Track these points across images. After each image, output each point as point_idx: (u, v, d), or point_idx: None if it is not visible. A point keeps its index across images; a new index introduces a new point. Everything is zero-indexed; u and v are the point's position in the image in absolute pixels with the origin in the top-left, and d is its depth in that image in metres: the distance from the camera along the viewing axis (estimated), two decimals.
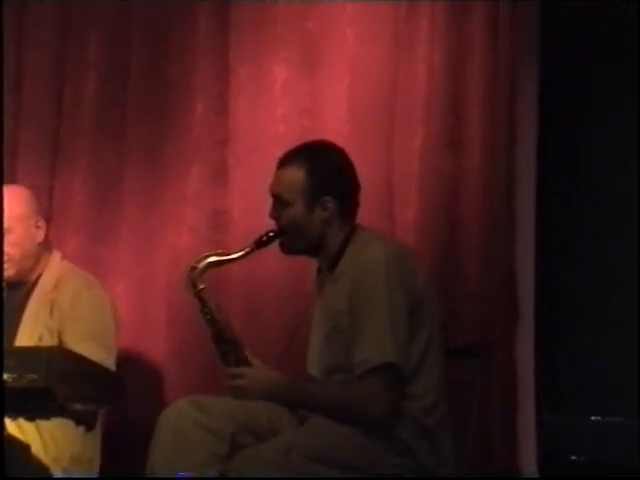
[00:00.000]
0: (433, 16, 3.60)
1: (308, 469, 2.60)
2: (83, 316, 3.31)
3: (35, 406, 3.11)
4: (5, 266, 3.29)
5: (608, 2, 3.55)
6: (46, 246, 3.43)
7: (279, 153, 3.56)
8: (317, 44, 3.74)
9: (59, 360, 3.06)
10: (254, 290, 3.72)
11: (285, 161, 2.83)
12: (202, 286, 2.78)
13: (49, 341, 3.27)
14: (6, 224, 3.24)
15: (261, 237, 2.80)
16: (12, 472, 2.83)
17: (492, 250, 3.52)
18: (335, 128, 3.63)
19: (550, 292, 3.60)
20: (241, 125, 3.81)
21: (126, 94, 3.95)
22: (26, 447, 3.08)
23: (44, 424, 3.16)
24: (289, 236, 2.80)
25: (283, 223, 2.80)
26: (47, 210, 3.82)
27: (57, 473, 3.14)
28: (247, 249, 2.81)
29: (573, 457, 3.48)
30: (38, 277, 3.39)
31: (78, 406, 3.16)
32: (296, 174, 2.78)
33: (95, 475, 3.29)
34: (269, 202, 2.90)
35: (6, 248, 3.29)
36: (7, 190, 3.24)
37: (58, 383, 3.01)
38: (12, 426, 3.10)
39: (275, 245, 2.83)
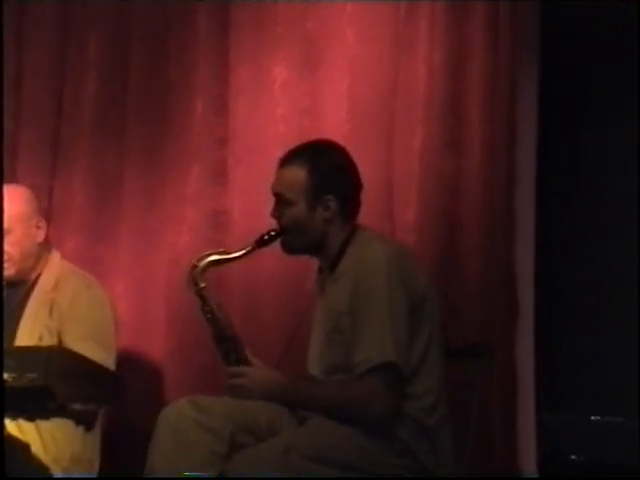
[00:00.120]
0: (433, 16, 3.60)
1: (307, 469, 2.59)
2: (82, 316, 3.30)
3: (35, 406, 3.11)
4: (5, 265, 3.29)
5: (608, 2, 3.55)
6: (46, 246, 3.43)
7: (279, 153, 3.56)
8: (317, 44, 3.74)
9: (59, 360, 3.05)
10: (254, 290, 3.72)
11: (287, 160, 2.83)
12: (203, 284, 2.79)
13: (49, 341, 3.26)
14: (6, 224, 3.24)
15: (262, 236, 2.80)
16: (12, 472, 2.83)
17: (492, 250, 3.52)
18: (335, 128, 3.63)
19: (550, 292, 3.60)
20: (241, 125, 3.81)
21: (126, 94, 3.95)
22: (26, 447, 3.08)
23: (44, 424, 3.16)
24: (291, 235, 2.80)
25: (285, 222, 2.80)
26: (47, 210, 3.81)
27: (57, 473, 3.14)
28: (248, 248, 2.81)
29: (573, 457, 3.48)
30: (38, 277, 3.39)
31: (77, 406, 3.16)
32: (298, 173, 2.78)
33: (95, 475, 3.29)
34: (269, 202, 2.90)
35: (6, 248, 3.29)
36: (7, 190, 3.24)
37: (58, 383, 3.01)
38: (12, 426, 3.10)
39: (275, 245, 2.83)
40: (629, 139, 3.56)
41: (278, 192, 2.83)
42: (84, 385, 3.13)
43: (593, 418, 3.50)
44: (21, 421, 3.14)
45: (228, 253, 2.83)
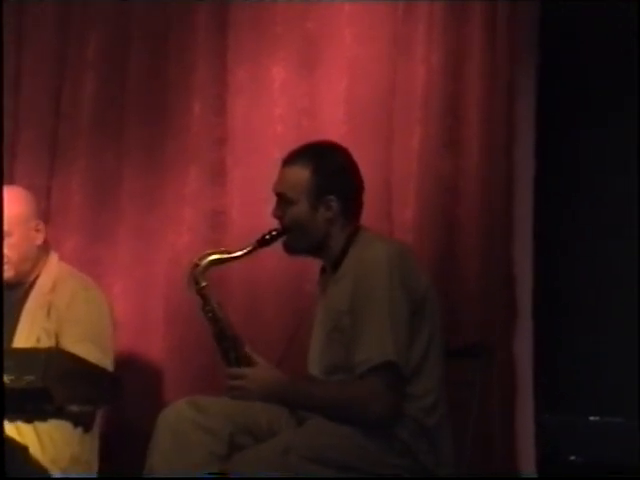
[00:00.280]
0: (431, 16, 3.60)
1: (306, 469, 2.59)
2: (80, 317, 3.30)
3: (33, 407, 3.11)
4: (4, 267, 3.28)
5: (607, 2, 3.55)
6: (44, 248, 3.42)
7: (277, 153, 3.58)
8: (315, 44, 3.74)
9: (57, 361, 3.05)
10: (254, 290, 3.72)
11: (290, 160, 2.83)
12: (204, 283, 2.79)
13: (46, 342, 3.26)
14: (5, 226, 3.23)
15: (264, 235, 2.80)
16: (11, 474, 2.82)
17: (490, 250, 3.52)
18: (333, 128, 3.64)
19: (549, 292, 3.61)
20: (239, 125, 3.81)
21: (125, 94, 3.94)
22: (24, 449, 3.07)
23: (42, 425, 3.16)
24: (293, 235, 2.80)
25: (287, 222, 2.80)
26: (45, 210, 3.82)
27: (56, 474, 3.13)
28: (250, 247, 2.81)
29: (572, 457, 3.48)
30: (35, 279, 3.38)
31: (75, 407, 3.16)
32: (301, 173, 2.78)
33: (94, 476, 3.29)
34: (268, 202, 2.90)
35: (5, 251, 3.28)
36: (7, 192, 3.23)
37: (56, 384, 3.01)
38: (10, 428, 3.09)
39: (275, 245, 2.82)
40: (628, 139, 3.56)
41: (280, 192, 2.82)
42: (82, 387, 3.13)
43: (592, 418, 3.50)
44: (19, 423, 3.13)
45: (229, 252, 2.83)
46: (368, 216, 2.92)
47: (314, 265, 3.00)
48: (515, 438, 3.48)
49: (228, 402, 2.72)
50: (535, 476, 3.47)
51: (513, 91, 3.52)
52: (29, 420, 3.15)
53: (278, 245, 2.83)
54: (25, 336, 3.28)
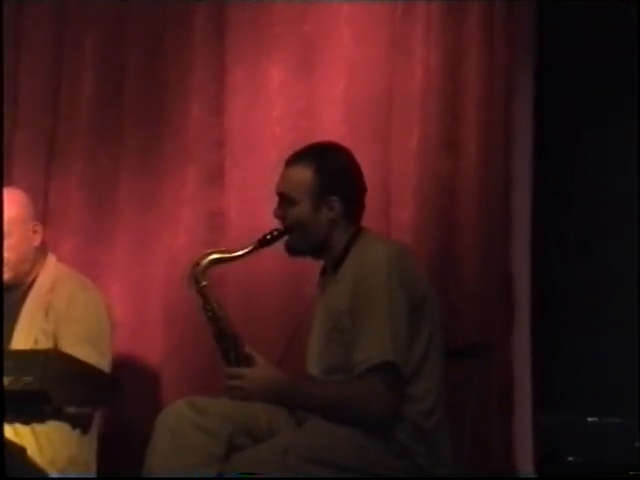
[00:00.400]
0: (429, 16, 3.61)
1: (305, 470, 2.58)
2: (78, 318, 3.29)
3: (31, 409, 3.10)
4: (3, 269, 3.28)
5: (604, 1, 3.56)
6: (42, 249, 3.42)
7: (275, 154, 3.58)
8: (313, 45, 3.74)
9: (55, 363, 3.04)
10: (252, 291, 3.71)
11: (292, 160, 2.83)
12: (204, 283, 2.78)
13: (45, 344, 3.25)
14: (4, 228, 3.23)
15: (265, 235, 2.79)
16: (9, 475, 2.82)
17: (489, 250, 3.53)
18: (331, 129, 3.64)
19: (547, 292, 3.61)
20: (237, 126, 3.80)
21: (122, 95, 3.94)
22: (22, 450, 3.06)
23: (40, 427, 3.15)
24: (294, 235, 2.80)
25: (289, 222, 2.79)
26: (43, 212, 3.81)
27: (53, 475, 3.13)
28: (251, 247, 2.80)
29: (570, 458, 3.48)
30: (33, 280, 3.38)
31: (73, 409, 3.16)
32: (304, 173, 2.78)
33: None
34: (266, 203, 2.90)
35: (3, 252, 3.28)
36: (5, 193, 3.23)
37: (54, 386, 3.00)
38: (8, 429, 3.09)
39: (273, 246, 2.82)
40: (627, 139, 3.56)
41: (282, 192, 2.82)
42: (80, 388, 3.13)
43: (590, 419, 3.50)
44: (17, 424, 3.12)
45: (230, 252, 2.82)
46: (366, 216, 2.92)
47: (312, 266, 2.99)
48: (513, 438, 3.48)
49: (227, 403, 2.72)
50: (533, 476, 3.47)
51: (511, 91, 3.53)
52: (27, 422, 3.14)
53: (276, 246, 2.82)
54: (23, 337, 3.27)
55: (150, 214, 3.88)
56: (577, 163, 3.71)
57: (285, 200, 2.81)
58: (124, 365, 3.63)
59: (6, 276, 3.30)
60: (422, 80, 3.59)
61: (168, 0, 3.92)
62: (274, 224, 2.83)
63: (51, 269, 3.40)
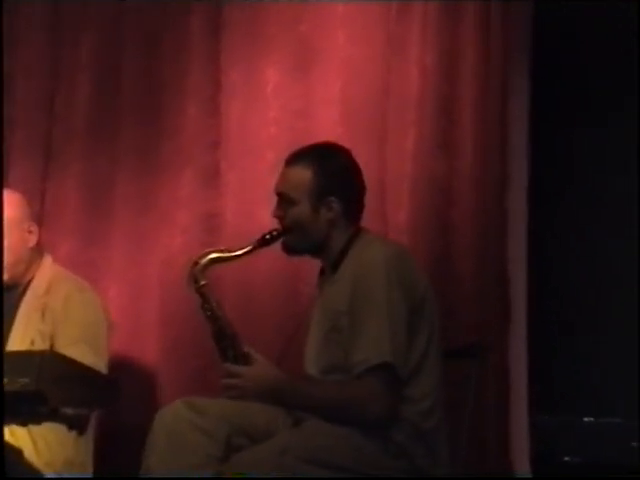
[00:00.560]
0: (425, 16, 3.61)
1: (303, 471, 2.58)
2: (75, 319, 3.29)
3: (27, 410, 3.10)
4: None
5: (601, 1, 3.56)
6: (38, 250, 3.41)
7: (271, 155, 3.58)
8: (309, 46, 3.74)
9: (51, 364, 3.04)
10: (249, 291, 3.71)
11: (292, 160, 2.83)
12: (203, 282, 2.77)
13: (41, 345, 3.25)
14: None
15: (264, 235, 2.79)
16: (6, 477, 2.82)
17: (485, 250, 3.53)
18: (327, 130, 3.64)
19: (544, 292, 3.61)
20: (233, 127, 3.80)
21: (119, 96, 3.94)
22: (18, 452, 3.06)
23: (36, 428, 3.15)
24: (293, 235, 2.79)
25: (288, 222, 2.79)
26: (39, 213, 3.80)
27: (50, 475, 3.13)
28: (250, 247, 2.80)
29: (567, 458, 3.49)
30: (30, 281, 3.37)
31: (70, 410, 3.15)
32: (303, 173, 2.78)
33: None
34: (262, 204, 2.91)
35: None
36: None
37: (50, 387, 2.99)
38: (4, 431, 3.08)
39: (270, 246, 2.82)
40: (626, 139, 3.57)
41: (282, 192, 2.82)
42: (77, 389, 3.12)
43: (587, 419, 3.51)
44: (13, 426, 3.12)
45: (230, 251, 2.82)
46: (363, 217, 2.92)
47: (309, 266, 3.00)
48: (510, 438, 3.48)
49: (225, 403, 2.72)
50: (530, 476, 3.47)
51: (507, 91, 3.54)
52: (24, 423, 3.13)
53: (272, 246, 2.82)
54: (20, 339, 3.27)
55: (147, 215, 3.88)
56: (575, 163, 3.72)
57: (284, 200, 2.81)
58: (121, 366, 3.63)
59: (3, 277, 3.30)
60: (418, 80, 3.60)
61: (165, 1, 3.92)
62: (271, 225, 2.83)
63: (47, 270, 3.40)
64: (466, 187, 3.56)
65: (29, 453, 3.11)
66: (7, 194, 3.38)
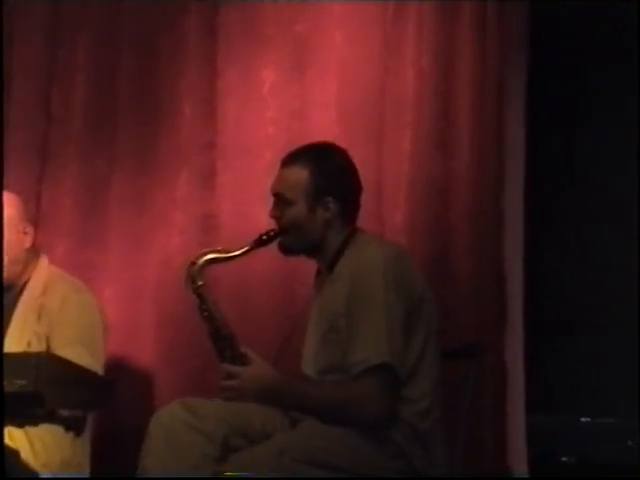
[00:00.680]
0: (421, 17, 3.62)
1: (301, 471, 2.58)
2: (71, 320, 3.29)
3: (24, 412, 3.09)
4: None
5: (597, 1, 3.57)
6: (34, 251, 3.41)
7: (268, 156, 3.58)
8: (306, 46, 3.74)
9: (48, 365, 3.03)
10: (245, 292, 3.71)
11: (288, 161, 2.83)
12: (201, 282, 2.77)
13: (37, 347, 3.24)
14: None
15: (261, 236, 2.79)
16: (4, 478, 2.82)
17: (482, 251, 3.53)
18: (324, 130, 3.63)
19: (541, 292, 3.61)
20: (230, 128, 3.80)
21: (115, 97, 3.93)
22: (15, 453, 3.06)
23: (33, 430, 3.15)
24: (290, 236, 2.79)
25: (284, 222, 2.79)
26: (35, 215, 3.80)
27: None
28: (247, 247, 2.80)
29: (564, 458, 3.49)
30: (26, 282, 3.37)
31: (66, 411, 3.15)
32: (300, 174, 2.78)
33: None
34: (258, 205, 2.91)
35: None
36: None
37: (47, 388, 2.98)
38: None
39: (267, 246, 2.82)
40: (624, 139, 3.57)
41: (278, 192, 2.82)
42: (73, 390, 3.11)
43: (584, 419, 3.51)
44: (10, 427, 3.11)
45: (227, 252, 2.82)
46: (359, 218, 2.92)
47: (306, 267, 2.99)
48: (507, 438, 3.48)
49: (222, 404, 2.71)
50: (527, 476, 3.47)
51: (503, 91, 3.54)
52: (20, 424, 3.13)
53: (269, 247, 2.82)
54: (16, 340, 3.27)
55: (143, 217, 3.88)
56: (571, 163, 3.72)
57: (281, 200, 2.81)
58: (117, 367, 3.63)
59: None
60: (414, 81, 3.60)
61: (161, 1, 3.91)
62: (267, 226, 2.83)
63: (43, 271, 3.39)
64: (463, 187, 3.57)
65: (26, 454, 3.10)
66: (3, 195, 3.38)
